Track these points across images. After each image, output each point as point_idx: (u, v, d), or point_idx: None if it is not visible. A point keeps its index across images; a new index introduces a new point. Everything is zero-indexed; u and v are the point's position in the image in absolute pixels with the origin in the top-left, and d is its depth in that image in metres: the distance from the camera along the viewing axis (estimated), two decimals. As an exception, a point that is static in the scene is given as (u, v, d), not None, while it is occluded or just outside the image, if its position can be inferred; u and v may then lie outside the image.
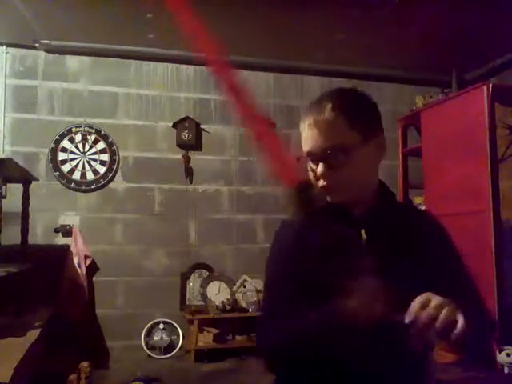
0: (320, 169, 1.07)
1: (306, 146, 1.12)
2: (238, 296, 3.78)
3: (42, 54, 3.77)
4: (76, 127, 3.77)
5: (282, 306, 1.07)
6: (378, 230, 1.08)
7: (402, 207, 1.29)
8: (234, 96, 1.12)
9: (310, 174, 1.12)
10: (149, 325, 3.68)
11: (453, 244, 1.21)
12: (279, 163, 1.11)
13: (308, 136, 1.13)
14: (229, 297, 3.71)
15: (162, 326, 3.70)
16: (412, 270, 1.03)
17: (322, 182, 1.08)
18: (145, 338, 3.64)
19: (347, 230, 1.08)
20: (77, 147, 3.78)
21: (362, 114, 1.14)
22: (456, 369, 3.30)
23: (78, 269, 3.47)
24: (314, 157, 1.09)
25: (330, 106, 1.13)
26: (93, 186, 3.78)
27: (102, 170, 3.80)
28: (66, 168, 3.73)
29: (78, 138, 3.78)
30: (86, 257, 3.56)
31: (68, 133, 3.76)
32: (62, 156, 3.73)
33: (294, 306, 1.04)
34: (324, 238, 1.09)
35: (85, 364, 2.91)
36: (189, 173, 3.95)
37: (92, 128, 3.80)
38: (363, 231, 1.08)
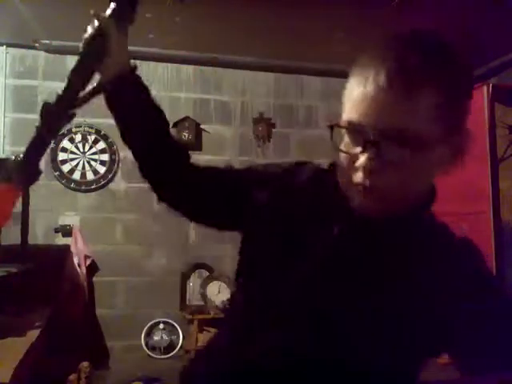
0: (369, 158, 0.68)
1: (357, 113, 0.70)
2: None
3: (42, 54, 3.76)
4: (76, 127, 3.77)
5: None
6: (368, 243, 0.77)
7: (430, 227, 0.86)
8: None
9: (343, 156, 0.74)
10: (149, 325, 3.68)
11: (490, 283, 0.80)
12: None
13: (370, 97, 0.68)
14: (229, 297, 3.71)
15: (161, 326, 3.70)
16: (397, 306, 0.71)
17: (361, 177, 0.70)
18: (145, 338, 3.64)
19: (333, 217, 0.79)
20: (77, 147, 3.78)
21: (459, 94, 0.71)
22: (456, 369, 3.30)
23: (77, 269, 3.47)
24: (366, 136, 0.68)
25: (434, 63, 0.67)
26: (93, 186, 3.78)
27: (102, 170, 3.80)
28: (65, 168, 3.73)
29: (78, 138, 3.78)
30: (86, 257, 3.56)
31: (68, 133, 3.76)
32: (61, 156, 3.73)
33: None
34: (304, 202, 0.84)
35: (85, 364, 2.91)
36: (189, 173, 3.95)
37: (92, 128, 3.80)
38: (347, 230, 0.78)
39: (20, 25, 3.37)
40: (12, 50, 3.72)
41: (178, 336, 3.71)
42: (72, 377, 2.79)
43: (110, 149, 3.82)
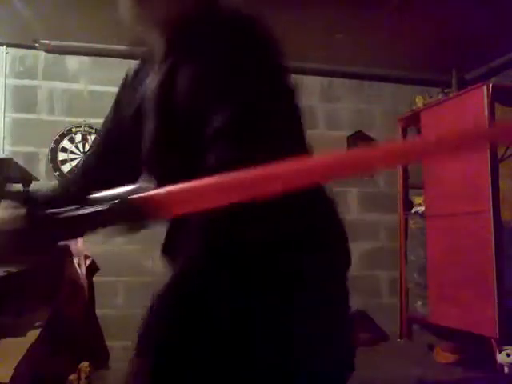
0: None
1: None
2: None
3: (42, 54, 3.77)
4: (76, 127, 3.77)
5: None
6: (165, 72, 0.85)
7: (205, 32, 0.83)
8: None
9: None
10: (149, 325, 3.67)
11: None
12: None
13: None
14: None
15: (161, 326, 3.70)
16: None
17: None
18: (145, 338, 3.64)
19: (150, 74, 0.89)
20: (77, 147, 3.78)
21: None
22: (456, 369, 3.30)
23: (77, 269, 3.47)
24: None
25: None
26: (93, 186, 3.77)
27: (102, 170, 3.80)
28: (66, 168, 3.73)
29: (78, 138, 3.78)
30: (86, 257, 3.55)
31: (68, 133, 3.76)
32: (61, 156, 3.73)
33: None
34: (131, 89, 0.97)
35: (85, 364, 2.91)
36: (189, 173, 3.95)
37: (92, 128, 3.80)
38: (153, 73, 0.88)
39: (20, 25, 3.37)
40: (12, 50, 3.72)
41: (178, 336, 3.71)
42: (72, 377, 2.79)
43: (110, 149, 3.82)
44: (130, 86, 1.01)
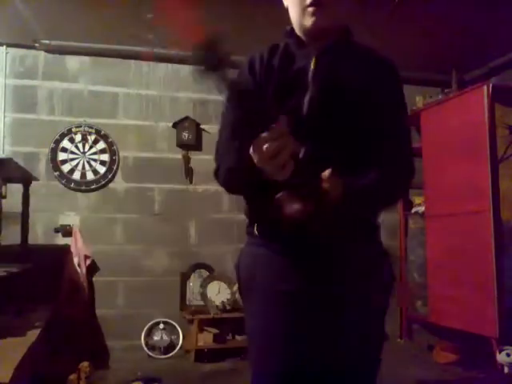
0: None
1: None
2: (238, 296, 3.78)
3: (42, 54, 3.76)
4: (76, 127, 3.77)
5: (229, 139, 1.14)
6: (329, 62, 1.11)
7: (361, 48, 1.28)
8: None
9: None
10: (149, 325, 3.68)
11: (400, 93, 1.28)
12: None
13: None
14: (229, 297, 3.70)
15: (162, 326, 3.70)
16: (349, 103, 1.07)
17: None
18: (145, 338, 3.64)
19: (304, 60, 1.12)
20: (77, 147, 3.78)
21: None
22: (456, 369, 3.31)
23: (77, 269, 3.47)
24: None
25: None
26: (93, 186, 3.78)
27: (102, 170, 3.80)
28: (66, 168, 3.73)
29: (78, 137, 3.78)
30: (86, 257, 3.56)
31: (68, 133, 3.76)
32: (61, 156, 3.73)
33: (237, 138, 1.09)
34: (282, 68, 1.13)
35: (85, 364, 2.91)
36: (189, 173, 3.95)
37: (92, 128, 3.80)
38: (313, 61, 1.10)
39: (20, 25, 3.37)
40: (12, 50, 3.72)
41: (178, 336, 3.71)
42: (72, 377, 2.79)
43: (110, 149, 3.82)
44: (260, 70, 1.19)
